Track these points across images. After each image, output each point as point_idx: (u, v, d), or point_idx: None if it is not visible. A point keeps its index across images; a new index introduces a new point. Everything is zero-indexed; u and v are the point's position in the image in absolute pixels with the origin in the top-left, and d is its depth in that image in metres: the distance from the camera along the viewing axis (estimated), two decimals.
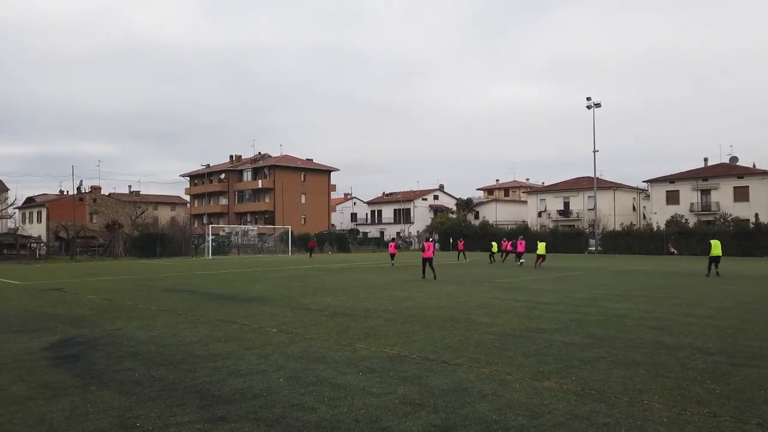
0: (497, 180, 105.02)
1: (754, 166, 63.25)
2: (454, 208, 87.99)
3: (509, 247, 36.41)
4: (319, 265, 32.93)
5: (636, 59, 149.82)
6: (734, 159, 65.51)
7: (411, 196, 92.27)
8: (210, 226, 55.51)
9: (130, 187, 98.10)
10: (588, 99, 53.78)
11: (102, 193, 75.54)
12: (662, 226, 56.93)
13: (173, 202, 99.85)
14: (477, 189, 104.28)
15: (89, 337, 8.95)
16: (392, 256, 34.31)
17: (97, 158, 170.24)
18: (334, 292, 15.94)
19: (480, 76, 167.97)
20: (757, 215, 52.99)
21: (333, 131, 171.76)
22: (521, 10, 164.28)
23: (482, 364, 6.93)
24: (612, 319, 10.69)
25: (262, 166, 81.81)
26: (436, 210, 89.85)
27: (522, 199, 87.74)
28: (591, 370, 6.64)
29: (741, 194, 58.76)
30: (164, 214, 79.39)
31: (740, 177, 59.87)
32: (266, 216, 78.71)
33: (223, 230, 61.72)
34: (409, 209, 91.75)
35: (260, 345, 8.16)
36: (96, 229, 59.45)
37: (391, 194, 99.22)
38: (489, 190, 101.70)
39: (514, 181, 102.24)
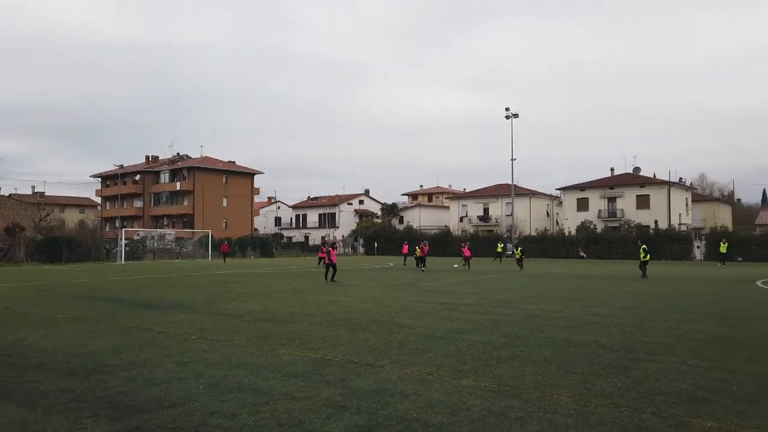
0: (421, 186, 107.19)
1: (654, 176, 68.48)
2: (380, 212, 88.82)
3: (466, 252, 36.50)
4: (242, 270, 32.14)
5: (554, 72, 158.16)
6: (637, 169, 70.63)
7: (336, 201, 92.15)
8: (123, 229, 52.71)
9: (33, 187, 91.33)
10: (507, 109, 56.18)
11: (1, 194, 69.67)
12: (573, 232, 60.36)
13: (82, 204, 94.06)
14: (402, 194, 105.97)
15: None
16: (421, 260, 31.21)
17: None
18: (256, 298, 15.64)
19: (407, 83, 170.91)
20: (656, 221, 57.41)
21: (257, 134, 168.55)
22: (450, 22, 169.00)
23: (404, 365, 7.08)
24: (526, 320, 11.24)
25: (181, 167, 78.75)
26: (362, 215, 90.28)
27: (445, 204, 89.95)
28: (506, 368, 6.97)
29: (643, 202, 63.40)
30: (72, 217, 74.46)
31: (642, 186, 64.60)
32: (185, 220, 75.80)
33: (138, 234, 58.75)
34: (335, 214, 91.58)
35: (178, 352, 7.88)
36: None
37: (316, 198, 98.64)
38: (413, 196, 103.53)
39: (438, 186, 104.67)
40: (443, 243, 64.30)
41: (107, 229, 71.58)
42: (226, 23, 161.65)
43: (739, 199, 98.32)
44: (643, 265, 24.95)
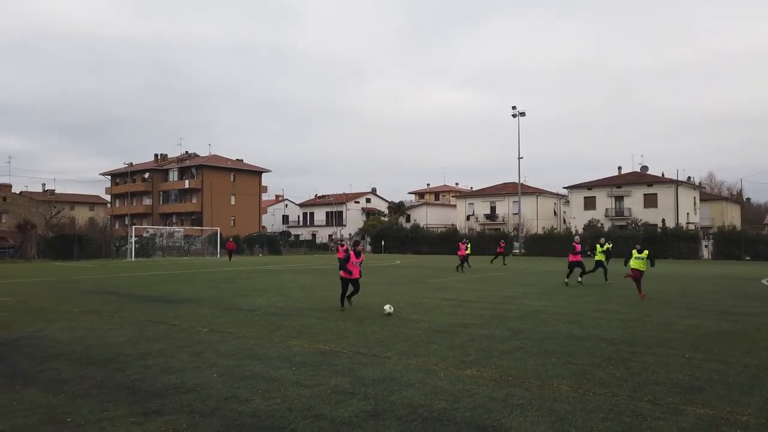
0: (428, 184, 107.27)
1: (663, 175, 68.27)
2: (386, 211, 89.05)
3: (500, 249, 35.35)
4: (250, 267, 32.49)
5: (562, 70, 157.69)
6: (645, 168, 70.43)
7: (344, 199, 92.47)
8: (133, 227, 53.23)
9: (44, 185, 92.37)
10: (513, 108, 56.20)
11: (13, 191, 70.53)
12: (580, 230, 60.27)
13: (92, 202, 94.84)
14: (409, 193, 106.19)
15: (7, 339, 8.60)
16: (463, 259, 28.59)
17: (7, 154, 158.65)
18: (266, 293, 15.92)
19: (415, 81, 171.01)
20: (663, 220, 57.23)
21: (265, 131, 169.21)
22: (457, 19, 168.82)
23: (410, 356, 7.32)
24: (530, 315, 11.44)
25: (190, 165, 79.33)
26: (369, 213, 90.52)
27: (452, 203, 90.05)
28: (509, 359, 7.19)
29: (650, 201, 63.26)
30: (82, 215, 75.21)
31: (650, 185, 64.45)
32: (193, 217, 76.38)
33: (147, 231, 59.32)
34: (342, 212, 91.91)
35: (191, 344, 8.16)
36: (6, 229, 55.46)
37: (323, 197, 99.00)
38: (420, 194, 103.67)
39: (445, 185, 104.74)
40: (450, 241, 64.35)
41: (117, 227, 72.19)
42: (234, 21, 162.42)
43: (748, 198, 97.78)
44: (599, 264, 19.62)
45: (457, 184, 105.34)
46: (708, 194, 79.43)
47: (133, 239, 47.66)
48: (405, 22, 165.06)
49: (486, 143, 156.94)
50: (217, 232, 53.72)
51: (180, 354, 7.45)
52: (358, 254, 12.10)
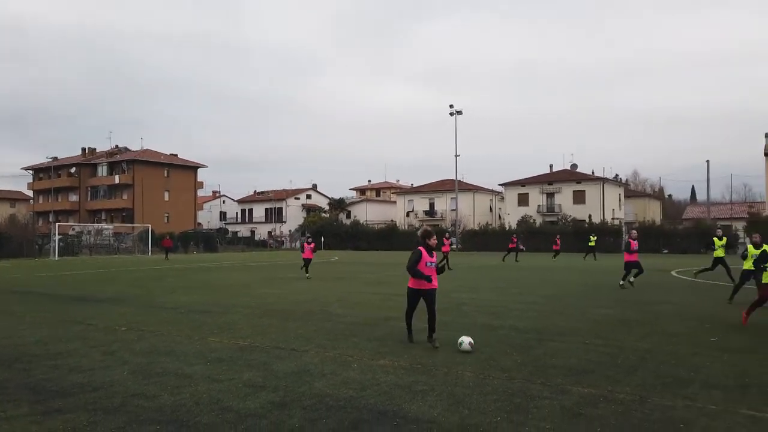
0: (370, 181, 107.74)
1: (593, 173, 71.61)
2: (327, 207, 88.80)
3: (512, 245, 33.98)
4: (183, 265, 31.68)
5: (501, 69, 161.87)
6: (574, 166, 73.71)
7: (283, 195, 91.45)
8: (57, 224, 50.61)
9: None
10: (451, 106, 57.40)
11: None
12: (514, 226, 62.36)
13: (13, 198, 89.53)
14: (350, 189, 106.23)
15: None
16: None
17: None
18: (193, 291, 15.67)
19: (359, 77, 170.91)
20: (590, 216, 60.17)
21: (201, 126, 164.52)
22: (402, 17, 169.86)
23: (328, 349, 7.48)
24: (454, 307, 11.86)
25: (120, 160, 76.18)
26: (309, 209, 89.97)
27: (392, 199, 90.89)
28: (422, 349, 7.49)
29: (579, 197, 66.27)
30: (2, 211, 70.72)
31: (578, 182, 67.50)
32: (124, 214, 73.43)
33: (73, 229, 56.63)
34: (282, 208, 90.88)
35: (106, 343, 8.00)
36: None
37: (262, 193, 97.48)
38: (362, 191, 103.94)
39: (386, 182, 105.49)
40: (389, 237, 65.07)
41: (40, 224, 68.42)
42: (168, 10, 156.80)
43: (670, 195, 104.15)
44: (719, 262, 16.30)
45: (398, 180, 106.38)
46: (632, 191, 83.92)
47: (57, 237, 45.38)
48: (352, 18, 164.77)
49: (428, 140, 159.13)
50: (148, 229, 51.95)
51: (92, 353, 7.30)
52: (431, 251, 7.64)
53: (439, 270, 7.74)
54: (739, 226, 53.35)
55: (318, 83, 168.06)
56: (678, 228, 56.66)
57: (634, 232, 17.01)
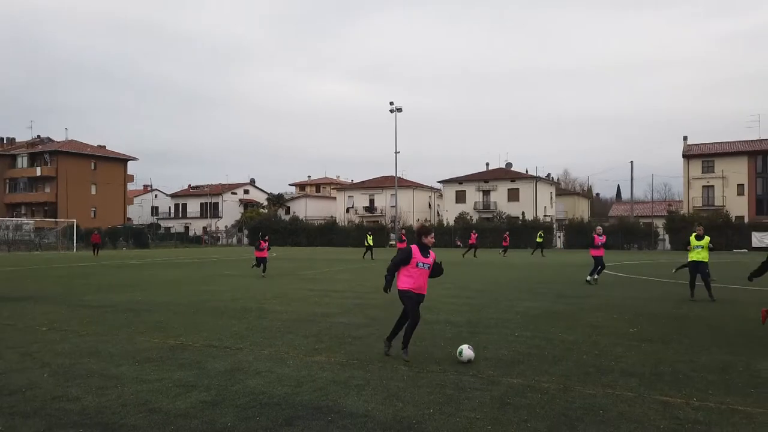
0: (309, 176, 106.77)
1: (527, 171, 74.12)
2: (266, 203, 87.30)
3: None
4: (110, 261, 30.28)
5: (443, 67, 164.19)
6: (509, 165, 76.05)
7: (219, 190, 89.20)
8: None
9: None
10: (391, 103, 57.73)
11: None
12: (452, 222, 63.67)
13: None
14: (290, 184, 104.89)
15: None
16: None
17: None
18: (122, 289, 15.04)
19: (300, 71, 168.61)
20: (523, 213, 62.29)
21: (133, 117, 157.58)
22: (343, 12, 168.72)
23: (263, 347, 7.39)
24: (391, 304, 11.90)
25: (42, 151, 71.76)
26: (247, 205, 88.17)
27: (332, 195, 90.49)
28: (359, 344, 7.54)
29: (513, 195, 68.47)
30: None
31: (513, 180, 69.70)
32: (47, 208, 69.33)
33: None
34: (218, 203, 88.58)
35: (24, 344, 7.55)
36: None
37: (197, 187, 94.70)
38: (301, 186, 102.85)
39: (326, 177, 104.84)
40: (329, 233, 64.81)
41: None
42: None
43: (598, 194, 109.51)
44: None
45: (338, 176, 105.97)
46: (563, 190, 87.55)
47: None
48: (293, 10, 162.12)
49: (368, 136, 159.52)
50: (73, 225, 49.30)
51: (8, 354, 6.88)
52: (426, 250, 6.69)
53: (439, 270, 6.82)
54: (659, 223, 56.79)
55: (256, 77, 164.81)
56: (604, 225, 59.60)
57: (599, 228, 17.54)
